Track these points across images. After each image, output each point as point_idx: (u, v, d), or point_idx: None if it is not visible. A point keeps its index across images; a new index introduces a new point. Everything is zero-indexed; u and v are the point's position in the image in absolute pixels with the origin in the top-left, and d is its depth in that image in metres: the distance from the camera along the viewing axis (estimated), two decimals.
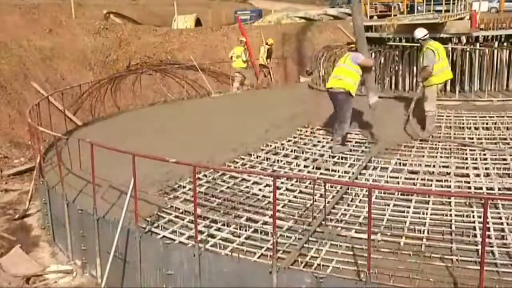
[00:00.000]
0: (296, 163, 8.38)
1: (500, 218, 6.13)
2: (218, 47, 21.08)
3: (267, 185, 7.41)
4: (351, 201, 6.91)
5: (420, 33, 9.59)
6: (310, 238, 5.78)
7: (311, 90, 13.90)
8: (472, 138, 9.20)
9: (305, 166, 8.26)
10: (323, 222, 6.01)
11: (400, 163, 8.20)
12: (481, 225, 4.96)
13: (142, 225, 6.31)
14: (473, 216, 6.21)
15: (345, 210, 6.59)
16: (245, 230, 6.13)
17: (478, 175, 7.52)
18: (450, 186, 7.23)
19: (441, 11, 13.75)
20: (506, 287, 4.78)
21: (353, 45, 9.43)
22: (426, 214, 6.32)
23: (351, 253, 5.48)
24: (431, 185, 7.29)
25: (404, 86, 13.04)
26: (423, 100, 9.50)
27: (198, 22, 26.08)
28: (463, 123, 10.22)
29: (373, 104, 9.08)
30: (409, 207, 6.55)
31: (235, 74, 16.78)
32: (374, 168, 8.06)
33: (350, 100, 8.64)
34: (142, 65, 18.81)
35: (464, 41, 12.69)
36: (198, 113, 13.30)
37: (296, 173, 8.00)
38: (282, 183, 7.53)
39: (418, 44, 10.78)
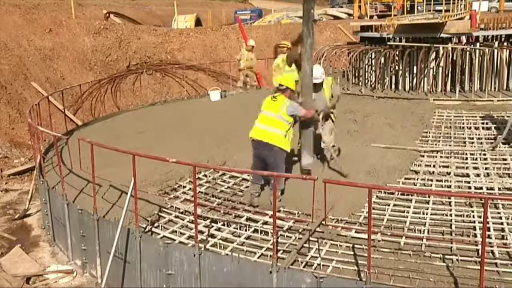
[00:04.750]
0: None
1: (500, 218, 6.13)
2: (218, 47, 21.08)
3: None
4: None
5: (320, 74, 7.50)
6: (310, 238, 5.78)
7: None
8: (472, 138, 9.20)
9: None
10: (323, 222, 6.01)
11: None
12: (481, 225, 4.97)
13: (142, 225, 6.30)
14: (473, 216, 6.21)
15: None
16: (245, 230, 6.13)
17: (478, 175, 7.52)
18: (450, 186, 7.23)
19: (441, 11, 13.75)
20: (506, 287, 4.78)
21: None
22: (426, 214, 6.32)
23: (351, 253, 5.48)
24: (431, 185, 7.28)
25: (404, 86, 13.06)
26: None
27: (198, 22, 26.10)
28: (463, 123, 10.23)
29: (306, 166, 7.36)
30: (409, 207, 6.55)
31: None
32: None
33: (284, 155, 6.74)
34: (142, 65, 18.82)
35: (464, 41, 12.71)
36: (198, 113, 13.30)
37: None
38: None
39: (419, 44, 10.71)
